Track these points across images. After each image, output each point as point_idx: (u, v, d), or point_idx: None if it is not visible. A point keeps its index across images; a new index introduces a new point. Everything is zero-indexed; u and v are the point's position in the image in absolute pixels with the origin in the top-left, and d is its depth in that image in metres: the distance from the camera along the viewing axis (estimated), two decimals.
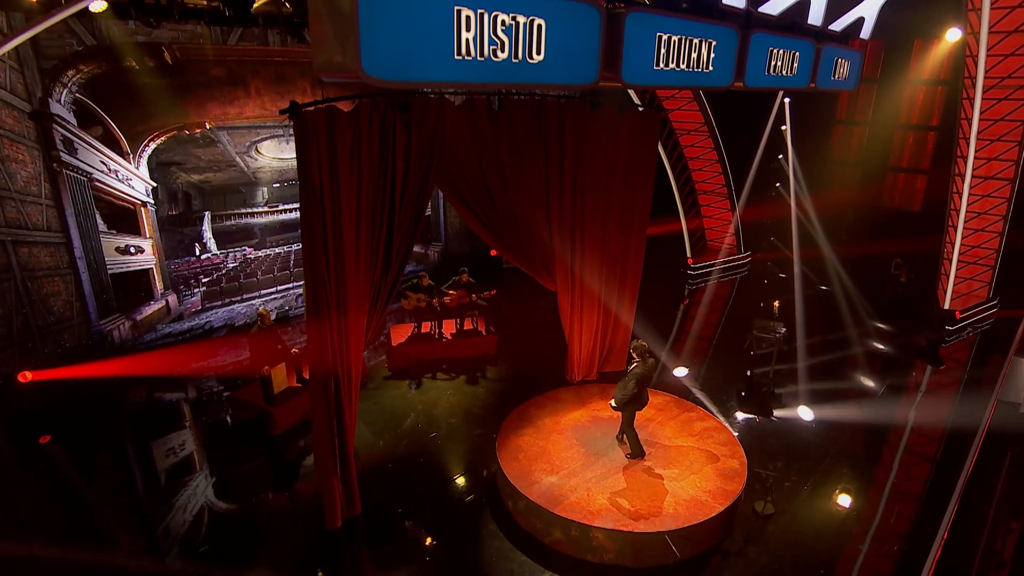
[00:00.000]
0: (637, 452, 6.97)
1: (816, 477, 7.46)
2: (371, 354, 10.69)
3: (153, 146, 9.85)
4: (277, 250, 11.98)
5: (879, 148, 15.26)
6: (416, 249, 14.77)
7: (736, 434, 7.57)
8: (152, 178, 9.98)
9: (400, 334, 10.81)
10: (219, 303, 11.25)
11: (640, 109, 8.90)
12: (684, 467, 6.84)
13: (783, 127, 14.63)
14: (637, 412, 6.93)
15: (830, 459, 7.87)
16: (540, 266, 8.64)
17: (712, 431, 7.55)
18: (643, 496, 6.37)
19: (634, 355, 6.69)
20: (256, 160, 11.24)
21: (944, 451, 8.08)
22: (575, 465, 6.85)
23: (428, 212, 14.81)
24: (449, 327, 10.94)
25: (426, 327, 10.78)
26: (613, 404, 6.69)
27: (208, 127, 10.36)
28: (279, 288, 12.04)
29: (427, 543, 6.31)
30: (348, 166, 6.05)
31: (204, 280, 11.00)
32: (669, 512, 6.12)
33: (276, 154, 11.41)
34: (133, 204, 9.85)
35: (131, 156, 9.61)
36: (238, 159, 10.98)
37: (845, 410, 8.98)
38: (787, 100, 14.34)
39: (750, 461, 6.96)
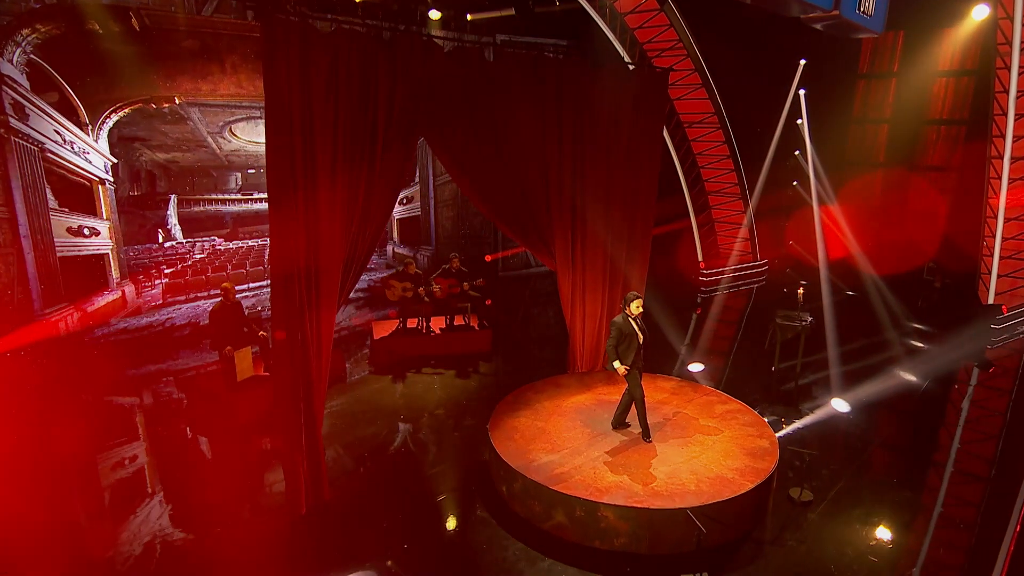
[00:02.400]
0: (616, 421, 6.67)
1: (859, 464, 6.89)
2: (351, 360, 10.18)
3: (115, 118, 9.61)
4: (250, 243, 11.60)
5: (903, 146, 15.06)
6: (404, 252, 14.41)
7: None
8: (112, 153, 9.69)
9: (383, 330, 10.33)
10: (183, 298, 10.79)
11: (644, 68, 8.66)
12: (706, 446, 6.28)
13: (799, 121, 14.49)
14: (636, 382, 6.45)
15: (874, 448, 7.33)
16: (537, 239, 8.24)
17: (736, 413, 7.01)
18: (660, 473, 5.78)
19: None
20: (230, 142, 10.99)
21: (1005, 443, 7.50)
22: (580, 445, 6.29)
23: (418, 212, 14.55)
24: (438, 323, 10.47)
25: (412, 323, 10.30)
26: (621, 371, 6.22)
27: (178, 102, 10.14)
28: (252, 285, 11.59)
29: (404, 531, 5.68)
30: (324, 96, 5.79)
31: (167, 271, 10.57)
32: (691, 489, 5.53)
33: (252, 137, 11.17)
34: (89, 181, 9.52)
35: (90, 128, 9.35)
36: (210, 139, 10.73)
37: (886, 403, 8.47)
38: (802, 92, 14.23)
39: (781, 447, 6.37)
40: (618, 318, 6.34)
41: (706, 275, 14.93)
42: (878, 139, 15.55)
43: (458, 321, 10.51)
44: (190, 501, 6.13)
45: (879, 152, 15.56)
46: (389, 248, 13.96)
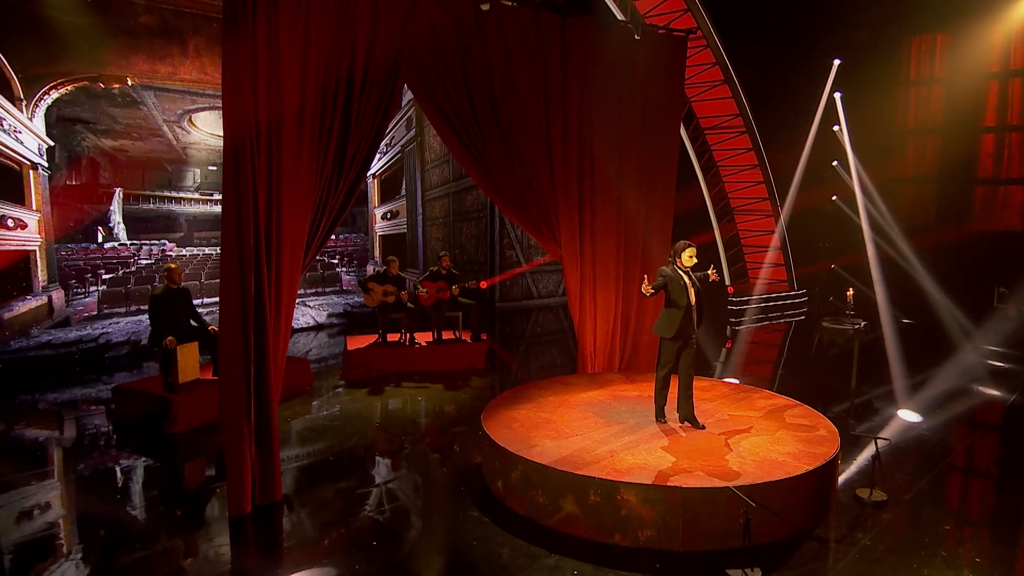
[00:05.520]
0: (659, 404, 6.13)
1: (940, 469, 6.37)
2: (319, 374, 9.73)
3: (55, 95, 9.56)
4: (207, 250, 11.35)
5: (959, 158, 14.99)
6: None
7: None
8: (49, 135, 9.58)
9: (358, 341, 9.95)
10: (122, 309, 10.43)
11: (659, 33, 8.67)
12: (750, 433, 5.82)
13: (835, 127, 14.52)
14: (677, 352, 5.95)
15: (957, 454, 6.86)
16: (541, 222, 8.02)
17: (783, 406, 6.55)
18: (693, 456, 5.28)
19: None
20: (189, 133, 10.94)
21: None
22: (593, 432, 5.80)
23: (403, 229, 14.39)
24: (424, 336, 10.09)
25: (394, 337, 9.91)
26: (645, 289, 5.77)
27: (130, 83, 10.14)
28: (206, 300, 11.24)
29: (374, 529, 5.13)
30: (291, 21, 5.67)
31: (105, 277, 10.26)
32: (733, 470, 5.01)
33: (215, 129, 11.14)
34: (19, 164, 9.35)
35: (24, 104, 9.27)
36: (165, 128, 10.68)
37: (966, 415, 8.09)
38: (837, 95, 14.33)
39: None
40: (665, 268, 5.91)
41: (735, 303, 14.60)
42: (928, 151, 15.55)
43: (446, 336, 10.11)
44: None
45: (931, 165, 15.52)
46: (369, 268, 13.71)
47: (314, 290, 12.93)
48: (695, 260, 5.92)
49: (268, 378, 5.46)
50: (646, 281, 5.69)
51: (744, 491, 4.67)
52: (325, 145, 6.01)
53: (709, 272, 5.97)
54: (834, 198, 15.28)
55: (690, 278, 5.87)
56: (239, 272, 5.31)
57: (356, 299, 13.23)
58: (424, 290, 9.76)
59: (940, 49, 15.07)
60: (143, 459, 6.77)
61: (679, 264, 5.89)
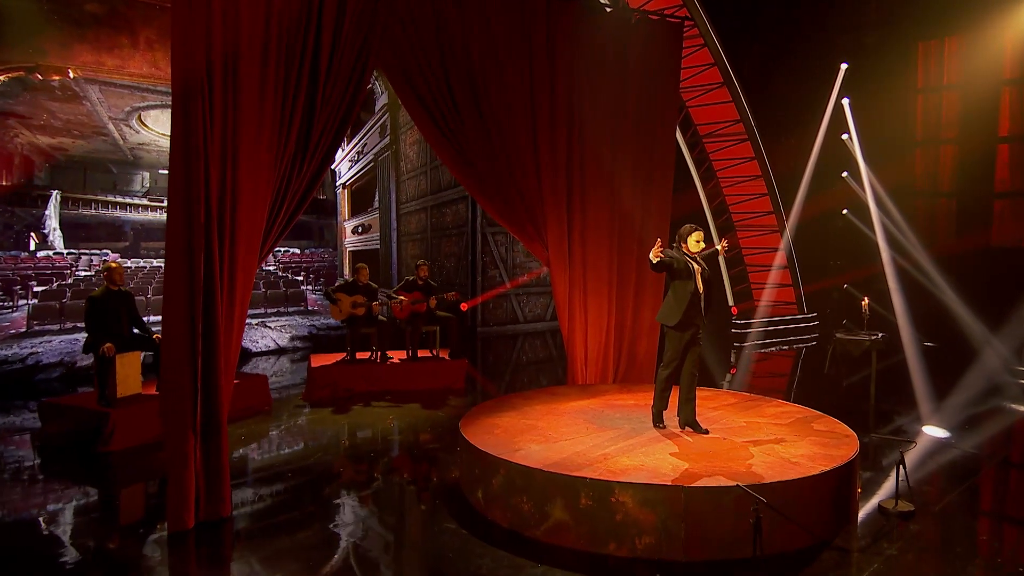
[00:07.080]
0: (658, 407, 6.04)
1: (973, 481, 6.32)
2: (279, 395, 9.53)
3: None
4: (155, 263, 11.19)
5: (977, 170, 15.21)
6: None
7: None
8: None
9: (324, 358, 9.80)
10: (56, 326, 10.19)
11: (652, 19, 8.79)
12: (760, 436, 5.72)
13: (844, 136, 14.72)
14: (680, 346, 5.88)
15: (990, 467, 6.87)
16: (526, 219, 8.00)
17: (795, 413, 6.48)
18: (694, 458, 5.16)
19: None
20: (138, 133, 10.87)
21: None
22: (585, 437, 5.68)
23: (376, 245, 14.31)
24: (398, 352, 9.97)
25: (364, 355, 9.76)
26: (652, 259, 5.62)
27: (72, 76, 10.08)
28: (154, 319, 11.03)
29: (333, 547, 4.94)
30: None
31: (37, 289, 10.06)
32: (742, 470, 4.89)
33: (167, 130, 11.04)
34: None
35: None
36: (111, 126, 10.61)
37: (999, 431, 8.08)
38: (846, 101, 14.57)
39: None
40: (671, 250, 5.90)
41: (739, 325, 14.58)
42: (942, 162, 15.77)
43: (422, 354, 9.97)
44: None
45: (946, 177, 15.72)
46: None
47: (275, 309, 12.75)
48: (702, 245, 5.94)
49: (218, 378, 5.28)
50: (658, 244, 5.59)
51: (755, 492, 4.53)
52: (289, 118, 5.96)
53: (719, 246, 5.94)
54: (845, 212, 15.41)
55: (698, 263, 5.83)
56: (187, 251, 5.22)
57: (323, 320, 13.05)
58: (400, 300, 9.63)
59: (950, 54, 15.40)
60: (71, 483, 6.46)
61: (685, 249, 5.88)
